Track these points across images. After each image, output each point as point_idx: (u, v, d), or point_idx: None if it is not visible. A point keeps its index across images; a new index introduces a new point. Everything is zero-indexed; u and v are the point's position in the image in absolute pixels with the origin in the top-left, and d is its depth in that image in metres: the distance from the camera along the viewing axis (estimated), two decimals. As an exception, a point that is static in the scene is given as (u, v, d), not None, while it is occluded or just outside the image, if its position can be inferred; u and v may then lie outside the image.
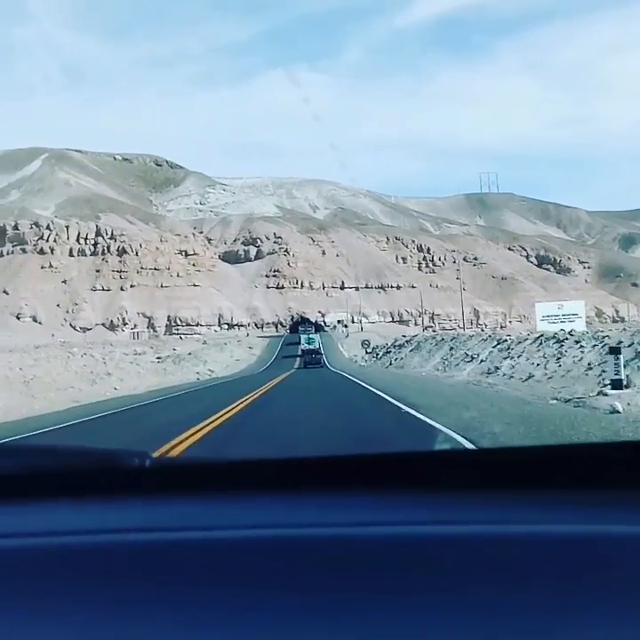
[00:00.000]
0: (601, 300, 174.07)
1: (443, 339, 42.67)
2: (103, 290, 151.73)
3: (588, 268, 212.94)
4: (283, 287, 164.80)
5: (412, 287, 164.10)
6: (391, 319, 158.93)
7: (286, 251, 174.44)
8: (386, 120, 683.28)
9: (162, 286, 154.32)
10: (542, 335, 26.69)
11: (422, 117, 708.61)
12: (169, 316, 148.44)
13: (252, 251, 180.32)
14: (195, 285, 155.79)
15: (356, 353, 72.72)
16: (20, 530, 1.15)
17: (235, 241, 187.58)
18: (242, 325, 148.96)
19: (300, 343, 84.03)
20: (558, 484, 1.14)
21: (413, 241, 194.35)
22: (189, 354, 67.31)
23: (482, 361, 28.66)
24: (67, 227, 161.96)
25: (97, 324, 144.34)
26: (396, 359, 47.56)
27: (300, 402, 19.47)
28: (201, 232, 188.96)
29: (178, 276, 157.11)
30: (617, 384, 14.73)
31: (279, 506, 1.19)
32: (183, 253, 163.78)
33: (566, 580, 0.90)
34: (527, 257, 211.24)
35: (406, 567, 0.94)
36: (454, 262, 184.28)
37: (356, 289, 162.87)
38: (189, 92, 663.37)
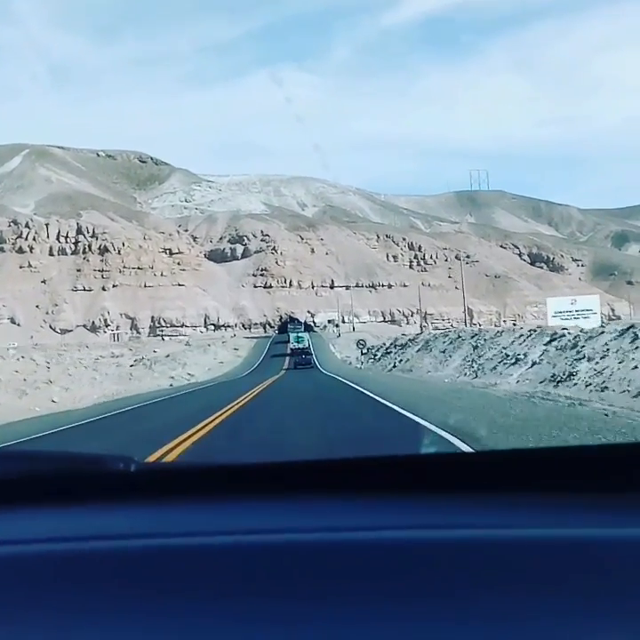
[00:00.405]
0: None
1: (459, 336, 35.92)
2: (84, 290, 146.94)
3: (582, 265, 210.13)
4: (271, 286, 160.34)
5: (404, 286, 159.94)
6: (383, 319, 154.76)
7: (274, 249, 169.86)
8: (374, 118, 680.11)
9: (145, 286, 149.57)
10: (632, 326, 19.53)
11: (411, 116, 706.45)
12: (153, 317, 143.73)
13: (239, 249, 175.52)
14: (179, 285, 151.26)
15: (348, 354, 68.80)
16: (3, 537, 1.12)
17: (221, 239, 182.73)
18: (229, 326, 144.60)
19: (288, 342, 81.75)
20: (553, 487, 1.13)
21: (404, 239, 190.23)
22: (167, 356, 62.32)
23: (534, 363, 22.28)
24: (46, 225, 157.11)
25: (78, 326, 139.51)
26: (400, 361, 42.15)
27: (288, 429, 12.75)
28: (186, 230, 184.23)
29: (162, 275, 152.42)
30: None
31: (267, 511, 1.18)
32: (167, 252, 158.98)
33: (562, 584, 0.89)
34: (520, 255, 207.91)
35: (400, 572, 0.93)
36: (446, 260, 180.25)
37: (347, 288, 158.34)
38: (177, 90, 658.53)
